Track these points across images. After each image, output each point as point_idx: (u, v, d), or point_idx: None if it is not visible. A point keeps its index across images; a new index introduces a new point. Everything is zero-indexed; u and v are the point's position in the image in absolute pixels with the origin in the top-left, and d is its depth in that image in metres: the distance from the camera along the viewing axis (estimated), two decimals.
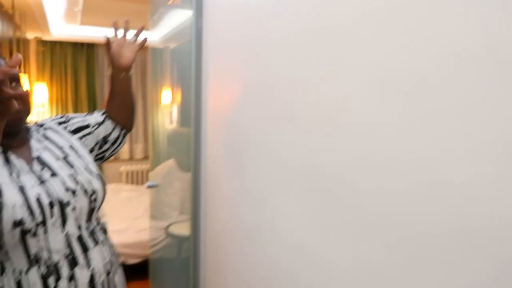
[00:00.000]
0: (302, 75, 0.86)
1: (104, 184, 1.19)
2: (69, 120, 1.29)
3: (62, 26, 4.55)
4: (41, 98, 4.74)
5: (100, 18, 4.25)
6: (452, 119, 0.52)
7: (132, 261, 3.30)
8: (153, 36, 2.62)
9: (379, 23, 0.64)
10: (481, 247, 0.48)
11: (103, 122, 1.33)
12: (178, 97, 2.94)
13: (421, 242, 0.57)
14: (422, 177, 0.57)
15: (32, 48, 4.86)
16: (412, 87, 0.58)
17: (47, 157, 1.14)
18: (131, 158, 5.49)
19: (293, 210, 0.91)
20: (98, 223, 1.21)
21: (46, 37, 4.76)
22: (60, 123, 1.28)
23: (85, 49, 5.06)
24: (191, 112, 1.54)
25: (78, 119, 1.31)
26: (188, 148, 1.62)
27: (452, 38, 0.52)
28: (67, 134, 1.24)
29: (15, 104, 0.74)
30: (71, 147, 1.21)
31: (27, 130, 1.18)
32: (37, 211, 1.02)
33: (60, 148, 1.18)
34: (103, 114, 1.36)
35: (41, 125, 1.24)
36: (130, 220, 3.62)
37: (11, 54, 3.13)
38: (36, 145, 1.15)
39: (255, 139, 1.09)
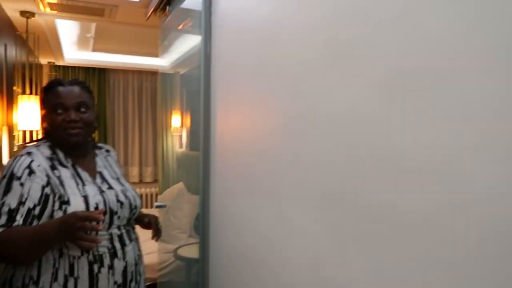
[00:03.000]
0: (313, 90, 0.87)
1: (141, 202, 1.48)
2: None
3: (74, 52, 4.66)
4: None
5: (111, 44, 4.35)
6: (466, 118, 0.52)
7: None
8: (163, 61, 2.68)
9: (383, 34, 0.66)
10: None
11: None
12: (188, 121, 2.97)
13: (453, 254, 0.57)
14: (445, 181, 0.57)
15: (45, 72, 4.97)
16: (420, 88, 0.59)
17: (106, 174, 1.43)
18: (141, 181, 5.52)
19: (309, 227, 0.91)
20: (133, 226, 1.47)
21: (59, 62, 4.87)
22: (117, 161, 1.59)
23: (97, 74, 5.17)
24: (200, 136, 1.55)
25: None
26: (197, 171, 1.63)
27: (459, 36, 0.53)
28: (118, 168, 1.55)
29: (84, 245, 1.11)
30: (121, 175, 1.52)
31: (93, 147, 1.48)
32: None
33: (114, 172, 1.49)
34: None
35: (107, 150, 1.55)
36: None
37: (23, 78, 3.20)
38: (100, 163, 1.45)
39: (268, 160, 1.10)
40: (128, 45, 4.39)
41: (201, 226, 1.63)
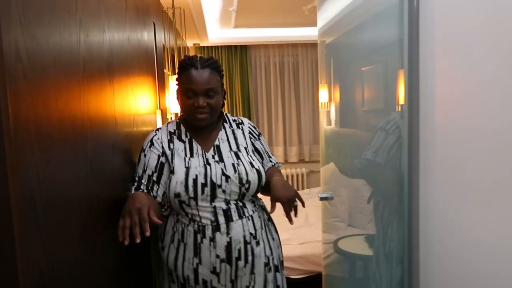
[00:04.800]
0: None
1: (260, 178, 1.43)
2: (258, 139, 1.58)
3: (217, 31, 4.58)
4: None
5: (253, 18, 4.13)
6: None
7: (293, 276, 2.96)
8: (321, 21, 2.26)
9: None
10: None
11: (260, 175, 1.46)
12: (337, 95, 2.54)
13: None
14: None
15: (192, 54, 5.03)
16: None
17: (224, 146, 1.45)
18: (286, 161, 5.27)
19: None
20: (254, 202, 1.46)
21: (204, 43, 4.87)
22: (250, 133, 1.55)
23: (238, 51, 5.04)
24: (405, 111, 1.10)
25: (261, 147, 1.57)
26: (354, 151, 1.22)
27: None
28: (249, 140, 1.53)
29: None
30: (245, 148, 1.49)
31: (224, 121, 1.52)
32: (190, 189, 1.34)
33: (237, 144, 1.48)
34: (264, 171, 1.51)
35: (241, 122, 1.55)
36: (292, 231, 3.22)
37: (173, 60, 3.15)
38: (223, 136, 1.48)
39: None
40: (270, 17, 4.12)
41: (403, 242, 1.20)
